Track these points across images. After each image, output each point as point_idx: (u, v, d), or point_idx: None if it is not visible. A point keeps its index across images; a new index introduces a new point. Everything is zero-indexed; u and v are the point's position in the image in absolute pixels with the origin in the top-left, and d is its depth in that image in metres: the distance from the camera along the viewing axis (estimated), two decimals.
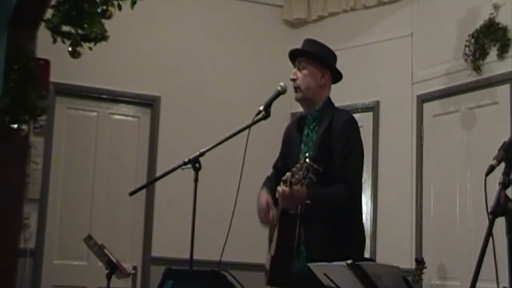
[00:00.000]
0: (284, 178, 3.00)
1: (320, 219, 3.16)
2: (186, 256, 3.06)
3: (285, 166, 3.35)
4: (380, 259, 5.66)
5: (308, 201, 3.08)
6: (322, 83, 3.33)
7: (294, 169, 2.92)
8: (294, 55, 3.41)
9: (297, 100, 3.39)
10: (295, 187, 2.94)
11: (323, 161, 3.16)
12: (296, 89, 3.35)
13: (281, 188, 3.02)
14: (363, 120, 6.20)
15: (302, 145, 3.32)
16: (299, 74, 3.35)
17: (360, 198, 3.31)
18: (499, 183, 2.08)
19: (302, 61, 3.36)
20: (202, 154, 3.07)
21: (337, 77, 3.41)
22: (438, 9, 5.89)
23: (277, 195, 3.11)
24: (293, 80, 3.35)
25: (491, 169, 2.10)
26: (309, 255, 3.15)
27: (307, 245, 3.19)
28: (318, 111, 3.33)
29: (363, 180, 6.08)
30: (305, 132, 3.35)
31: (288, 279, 3.19)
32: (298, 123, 3.42)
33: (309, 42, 3.43)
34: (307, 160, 2.86)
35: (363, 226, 3.34)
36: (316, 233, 3.17)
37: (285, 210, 3.17)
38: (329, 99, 3.37)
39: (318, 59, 3.33)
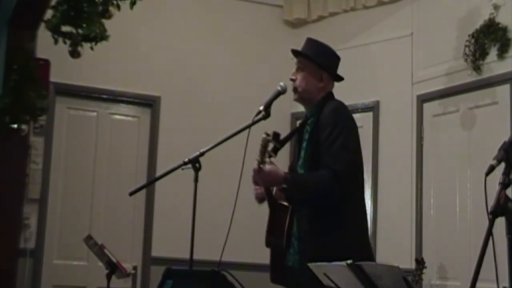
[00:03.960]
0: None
1: (313, 212, 3.13)
2: (186, 256, 3.06)
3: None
4: (380, 259, 5.66)
5: (284, 186, 3.08)
6: (320, 86, 3.31)
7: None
8: (295, 55, 3.42)
9: (295, 100, 3.40)
10: (262, 166, 3.01)
11: (314, 152, 3.16)
12: (294, 89, 3.35)
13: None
14: (363, 120, 6.21)
15: (303, 142, 3.32)
16: (297, 75, 3.35)
17: (352, 186, 3.12)
18: (499, 183, 2.08)
19: (301, 62, 3.36)
20: (202, 154, 3.07)
21: (338, 77, 3.40)
22: (438, 9, 5.89)
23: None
24: (292, 80, 3.36)
25: (491, 169, 2.10)
26: (301, 247, 3.13)
27: (299, 238, 3.17)
28: (315, 106, 3.32)
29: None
30: (305, 129, 3.35)
31: (285, 277, 3.20)
32: (303, 121, 3.43)
33: (310, 42, 3.42)
34: (264, 135, 2.95)
35: (362, 221, 3.19)
36: (306, 227, 3.14)
37: (273, 205, 3.17)
38: (328, 94, 3.32)
39: (315, 62, 3.32)
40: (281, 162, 3.37)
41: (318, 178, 3.07)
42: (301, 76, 3.32)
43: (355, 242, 3.10)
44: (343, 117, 3.19)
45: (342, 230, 3.09)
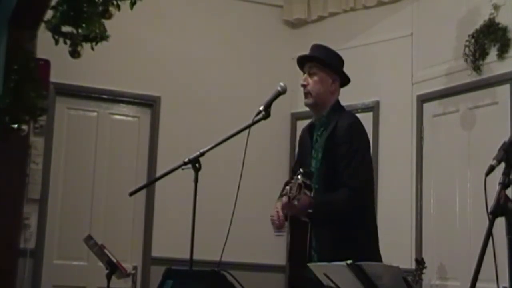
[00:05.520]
0: (284, 192, 3.07)
1: (329, 224, 3.17)
2: (186, 256, 3.06)
3: None
4: None
5: (310, 210, 3.10)
6: (332, 89, 3.35)
7: (291, 183, 2.99)
8: (304, 61, 3.42)
9: (307, 105, 3.40)
10: (293, 201, 3.00)
11: (329, 166, 3.18)
12: (307, 94, 3.35)
13: (282, 199, 3.10)
14: (363, 120, 6.17)
15: (313, 151, 3.33)
16: (309, 80, 3.36)
17: (369, 200, 3.27)
18: (499, 183, 2.08)
19: (312, 67, 3.36)
20: (202, 154, 3.07)
21: (345, 81, 3.43)
22: (438, 9, 5.89)
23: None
24: (304, 86, 3.36)
25: (491, 169, 2.10)
26: (320, 260, 3.13)
27: (318, 251, 3.20)
28: (325, 116, 3.34)
29: None
30: (315, 138, 3.36)
31: (304, 283, 3.20)
32: (309, 128, 3.44)
33: (318, 47, 3.43)
34: (299, 177, 2.94)
35: (375, 228, 3.30)
36: (326, 239, 3.18)
37: (294, 217, 3.18)
38: (336, 102, 3.38)
39: (328, 66, 3.34)
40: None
41: (339, 199, 3.15)
42: (314, 81, 3.34)
43: (371, 252, 3.19)
44: (360, 132, 3.29)
45: (360, 242, 3.16)
